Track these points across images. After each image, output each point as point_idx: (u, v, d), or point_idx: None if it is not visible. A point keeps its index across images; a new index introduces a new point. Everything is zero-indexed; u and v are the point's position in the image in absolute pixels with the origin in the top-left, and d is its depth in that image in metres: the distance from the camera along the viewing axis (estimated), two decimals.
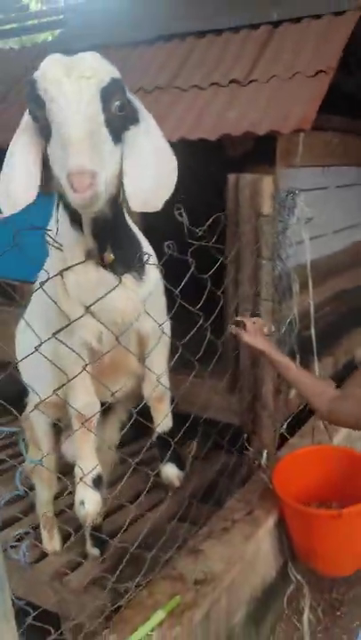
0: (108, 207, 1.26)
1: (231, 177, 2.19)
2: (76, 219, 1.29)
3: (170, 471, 1.60)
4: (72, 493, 1.53)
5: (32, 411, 1.57)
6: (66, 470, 2.30)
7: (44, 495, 1.95)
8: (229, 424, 2.37)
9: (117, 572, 1.72)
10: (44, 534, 2.03)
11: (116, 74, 1.17)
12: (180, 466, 1.63)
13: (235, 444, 2.34)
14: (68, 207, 1.26)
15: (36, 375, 1.53)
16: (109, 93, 1.12)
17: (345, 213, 3.13)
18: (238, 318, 1.88)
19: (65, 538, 2.08)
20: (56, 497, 2.05)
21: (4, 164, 1.24)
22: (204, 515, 2.22)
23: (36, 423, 1.75)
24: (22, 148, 1.23)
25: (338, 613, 2.49)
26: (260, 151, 2.23)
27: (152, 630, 1.65)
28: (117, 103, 1.14)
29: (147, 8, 3.03)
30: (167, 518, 2.20)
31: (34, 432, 1.78)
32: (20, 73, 3.11)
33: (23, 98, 1.26)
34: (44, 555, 2.09)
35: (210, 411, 2.21)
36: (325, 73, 2.07)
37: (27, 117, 1.23)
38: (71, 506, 2.13)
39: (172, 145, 2.15)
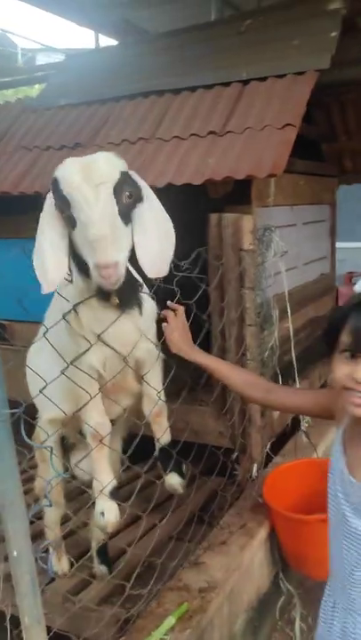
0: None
1: (213, 216, 2.44)
2: (84, 266, 1.46)
3: (174, 480, 1.76)
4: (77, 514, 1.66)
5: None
6: (71, 496, 2.44)
7: (52, 516, 2.06)
8: (217, 447, 2.52)
9: (129, 585, 1.85)
10: (53, 556, 2.13)
11: (124, 167, 1.39)
12: (182, 475, 1.79)
13: (224, 466, 2.51)
14: (78, 261, 1.46)
15: (45, 395, 1.68)
16: (120, 187, 1.35)
17: (312, 247, 3.40)
18: (162, 313, 1.77)
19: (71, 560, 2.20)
20: (62, 522, 2.17)
21: (38, 241, 1.42)
22: (200, 534, 2.37)
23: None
24: (51, 231, 1.41)
25: None
26: (237, 193, 2.48)
27: (166, 634, 1.78)
28: (127, 193, 1.37)
29: (126, 67, 3.31)
30: (167, 538, 2.35)
31: (42, 450, 1.92)
32: (2, 129, 3.31)
33: (49, 189, 1.45)
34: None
35: (200, 435, 2.38)
36: (292, 126, 2.35)
37: (51, 204, 1.41)
38: (79, 527, 2.27)
39: (159, 190, 2.40)
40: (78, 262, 1.44)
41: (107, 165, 1.36)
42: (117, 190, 1.34)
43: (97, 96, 3.16)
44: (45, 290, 1.38)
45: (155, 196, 1.50)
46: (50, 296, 1.76)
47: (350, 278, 6.98)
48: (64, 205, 1.35)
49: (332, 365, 1.21)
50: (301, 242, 3.15)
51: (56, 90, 3.52)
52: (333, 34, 2.51)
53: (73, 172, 1.33)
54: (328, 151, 3.75)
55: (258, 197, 2.52)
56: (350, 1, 2.64)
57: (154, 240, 1.44)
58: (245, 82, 2.70)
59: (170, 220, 1.51)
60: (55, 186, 1.36)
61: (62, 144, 2.94)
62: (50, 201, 1.41)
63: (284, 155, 2.28)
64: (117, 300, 1.52)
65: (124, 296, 1.53)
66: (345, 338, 1.17)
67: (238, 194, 2.48)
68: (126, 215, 1.37)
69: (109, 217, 1.32)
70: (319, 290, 3.53)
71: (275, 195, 2.65)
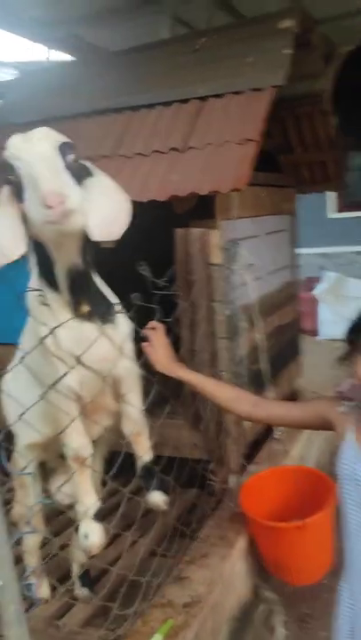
0: (80, 258, 1.49)
1: (179, 231, 2.46)
2: (51, 277, 1.51)
3: (157, 497, 1.76)
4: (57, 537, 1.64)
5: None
6: (49, 517, 2.40)
7: (32, 541, 2.02)
8: (195, 460, 2.54)
9: (115, 606, 1.84)
10: (36, 582, 2.09)
11: (66, 139, 1.42)
12: (166, 491, 1.79)
13: (203, 478, 2.53)
14: (43, 264, 1.49)
15: (23, 420, 1.67)
16: (63, 150, 1.38)
17: (275, 257, 3.47)
18: (143, 332, 1.78)
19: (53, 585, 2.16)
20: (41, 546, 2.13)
21: None
22: (183, 548, 2.37)
23: (22, 466, 1.85)
24: (3, 212, 1.42)
25: (308, 625, 2.68)
26: (200, 207, 2.51)
27: None
28: (72, 156, 1.39)
29: (82, 84, 3.32)
30: (148, 554, 2.34)
31: (21, 479, 1.89)
32: None
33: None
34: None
35: (175, 448, 2.39)
36: (253, 141, 2.40)
37: (4, 191, 1.43)
38: (61, 549, 2.24)
39: None
40: (45, 272, 1.46)
41: (46, 130, 1.41)
42: (61, 151, 1.37)
43: (53, 114, 3.14)
44: (3, 262, 1.39)
45: (105, 174, 1.53)
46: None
47: (309, 284, 7.15)
48: (9, 172, 1.36)
49: (355, 366, 1.31)
50: (264, 252, 3.21)
51: (10, 107, 3.50)
52: (286, 51, 2.58)
53: (14, 140, 1.37)
54: (285, 162, 3.85)
55: (221, 211, 2.57)
56: (302, 19, 2.73)
57: (102, 206, 1.45)
58: (203, 98, 2.75)
59: (122, 191, 1.54)
60: (2, 162, 1.39)
61: None
62: (3, 189, 1.42)
63: (246, 169, 2.33)
64: (88, 308, 1.54)
65: (95, 307, 1.56)
66: None
67: (201, 208, 2.51)
68: (76, 177, 1.39)
69: (52, 162, 1.33)
70: (284, 298, 3.61)
71: (237, 207, 2.70)
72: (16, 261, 1.43)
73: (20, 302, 1.56)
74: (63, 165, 1.36)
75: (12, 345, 1.90)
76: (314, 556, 2.30)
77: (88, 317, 1.55)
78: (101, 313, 1.59)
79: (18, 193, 1.38)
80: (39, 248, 1.47)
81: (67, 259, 1.48)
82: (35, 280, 1.58)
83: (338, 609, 1.55)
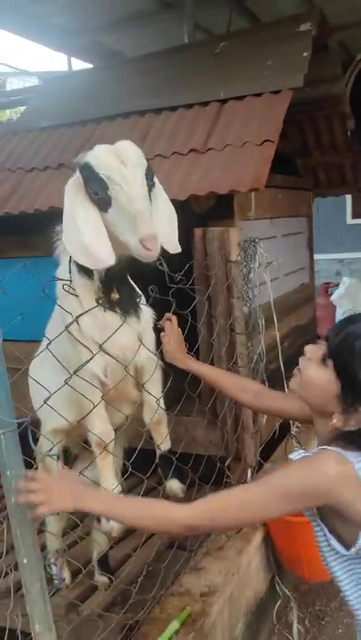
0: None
1: (197, 230, 2.52)
2: (86, 269, 1.56)
3: (174, 485, 1.79)
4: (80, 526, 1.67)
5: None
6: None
7: (54, 528, 2.08)
8: (206, 457, 2.56)
9: (135, 590, 1.88)
10: (60, 564, 2.14)
11: (146, 159, 1.48)
12: (183, 480, 1.83)
13: (220, 474, 2.56)
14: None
15: (49, 406, 1.72)
16: (147, 173, 1.44)
17: (291, 259, 3.51)
18: (160, 323, 1.79)
19: (73, 572, 2.21)
20: (64, 533, 2.18)
21: (66, 227, 1.46)
22: (198, 541, 2.40)
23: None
24: (85, 216, 1.44)
25: (323, 622, 2.69)
26: (219, 208, 2.57)
27: (170, 638, 1.81)
28: (151, 177, 1.46)
29: (105, 89, 3.40)
30: (165, 546, 2.39)
31: (45, 463, 1.95)
32: None
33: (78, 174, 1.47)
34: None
35: (192, 446, 2.42)
36: (271, 142, 2.45)
37: (78, 189, 1.46)
38: (80, 539, 2.29)
39: None
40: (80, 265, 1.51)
41: (137, 151, 1.45)
42: (146, 175, 1.43)
43: (77, 118, 3.24)
44: (98, 266, 1.44)
45: (159, 184, 1.58)
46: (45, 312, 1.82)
47: (326, 289, 7.16)
48: (99, 187, 1.40)
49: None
50: (282, 253, 3.25)
51: (36, 112, 3.59)
52: (305, 54, 2.64)
53: (110, 156, 1.41)
54: (303, 166, 3.90)
55: (240, 211, 2.62)
56: (320, 22, 2.78)
57: (166, 219, 1.54)
58: (223, 101, 2.82)
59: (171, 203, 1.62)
60: (88, 170, 1.42)
61: (46, 165, 3.00)
62: (76, 186, 1.46)
63: (264, 169, 2.38)
64: (117, 295, 1.60)
65: (123, 298, 1.61)
66: None
67: (220, 209, 2.57)
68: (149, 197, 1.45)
69: (145, 195, 1.40)
70: (300, 300, 3.64)
71: (255, 208, 2.75)
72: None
73: (45, 294, 1.61)
74: (147, 191, 1.42)
75: (32, 342, 1.97)
76: None
77: (114, 306, 1.61)
78: (127, 302, 1.65)
79: (101, 204, 1.42)
80: None
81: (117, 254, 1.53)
82: (64, 269, 1.63)
83: None
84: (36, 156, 3.09)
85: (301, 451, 1.29)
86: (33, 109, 3.65)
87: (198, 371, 1.81)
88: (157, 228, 1.42)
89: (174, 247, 1.54)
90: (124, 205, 1.37)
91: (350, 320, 1.26)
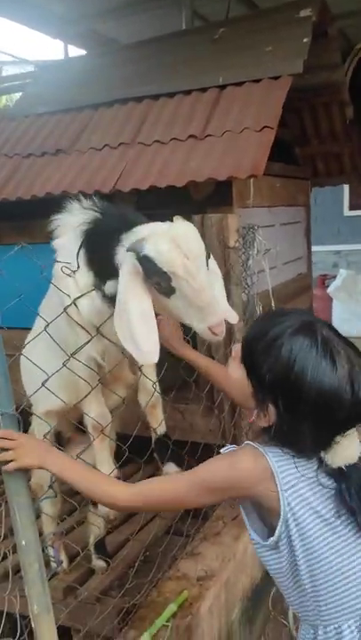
0: None
1: (196, 217, 2.50)
2: (95, 268, 1.59)
3: (171, 469, 1.80)
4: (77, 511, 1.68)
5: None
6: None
7: (50, 512, 2.08)
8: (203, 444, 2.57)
9: (132, 574, 1.89)
10: (58, 547, 2.15)
11: (204, 244, 1.48)
12: (180, 464, 1.84)
13: None
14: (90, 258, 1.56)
15: (42, 389, 1.71)
16: (207, 257, 1.47)
17: (290, 248, 3.51)
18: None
19: (71, 557, 2.22)
20: (62, 519, 2.19)
21: (118, 311, 1.44)
22: (195, 528, 2.41)
23: (40, 434, 1.90)
24: (138, 306, 1.42)
25: None
26: (217, 195, 2.56)
27: (168, 621, 1.82)
28: (208, 258, 1.48)
29: (102, 75, 3.38)
30: (162, 533, 2.39)
31: None
32: None
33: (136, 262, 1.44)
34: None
35: (189, 434, 2.42)
36: (270, 128, 2.44)
37: (135, 276, 1.43)
38: (77, 524, 2.28)
39: (143, 193, 2.45)
40: (90, 259, 1.52)
41: (198, 240, 1.45)
42: (206, 258, 1.46)
43: (74, 104, 3.21)
44: (141, 359, 1.45)
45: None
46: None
47: (323, 281, 7.17)
48: (162, 279, 1.39)
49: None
50: (280, 242, 3.24)
51: (32, 98, 3.56)
52: (305, 40, 2.62)
53: (173, 252, 1.38)
54: (301, 154, 3.88)
55: (238, 198, 2.60)
56: (320, 8, 2.76)
57: (220, 290, 1.61)
58: (222, 87, 2.80)
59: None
60: (148, 263, 1.39)
61: (43, 150, 2.98)
62: (133, 273, 1.43)
63: (263, 156, 2.37)
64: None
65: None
66: None
67: (218, 196, 2.56)
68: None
69: (211, 285, 1.44)
70: (298, 289, 3.64)
71: (253, 196, 2.73)
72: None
73: (41, 278, 1.59)
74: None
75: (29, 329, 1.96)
76: None
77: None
78: None
79: (163, 291, 1.42)
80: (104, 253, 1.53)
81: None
82: (66, 253, 1.62)
83: None
84: (33, 141, 3.07)
85: (232, 446, 1.32)
86: (29, 95, 3.62)
87: (194, 360, 1.79)
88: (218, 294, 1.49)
89: (233, 317, 1.60)
90: (189, 297, 1.39)
91: (262, 317, 1.31)
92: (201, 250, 1.42)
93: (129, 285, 1.42)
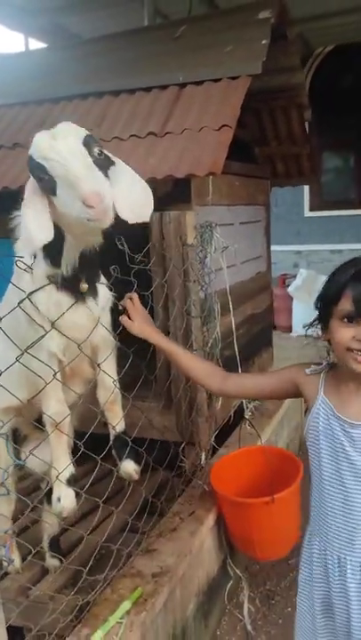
0: (98, 243, 1.54)
1: (155, 214, 2.50)
2: (56, 256, 1.55)
3: (129, 466, 1.80)
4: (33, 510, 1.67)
5: None
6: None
7: (5, 507, 2.04)
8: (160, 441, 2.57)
9: (85, 571, 1.87)
10: (10, 546, 2.11)
11: (87, 132, 1.45)
12: (138, 461, 1.83)
13: (173, 458, 2.57)
14: (53, 246, 1.50)
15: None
16: (88, 143, 1.41)
17: (249, 247, 3.54)
18: (121, 303, 1.80)
19: (24, 557, 2.19)
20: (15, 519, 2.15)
21: (22, 219, 1.45)
22: (150, 524, 2.41)
23: None
24: (32, 205, 1.43)
25: (273, 602, 2.75)
26: (176, 193, 2.56)
27: (121, 618, 1.81)
28: (96, 149, 1.42)
29: (62, 69, 3.34)
30: (118, 530, 2.38)
31: None
32: None
33: (32, 176, 1.45)
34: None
35: (146, 431, 2.42)
36: (229, 127, 2.46)
37: (30, 185, 1.44)
38: (32, 523, 2.25)
39: None
40: (51, 251, 1.49)
41: (70, 126, 1.43)
42: (86, 145, 1.40)
43: (33, 97, 3.16)
44: (31, 251, 1.44)
45: (122, 162, 1.56)
46: None
47: (284, 280, 7.27)
48: (40, 171, 1.38)
49: (332, 331, 1.39)
50: (239, 240, 3.27)
51: None
52: (264, 42, 2.64)
53: (42, 138, 1.39)
54: (260, 155, 3.93)
55: (197, 196, 2.62)
56: (279, 11, 2.80)
57: (129, 191, 1.50)
58: (182, 85, 2.80)
59: (142, 180, 1.59)
60: (30, 162, 1.40)
61: (0, 144, 2.92)
62: (29, 188, 1.44)
63: (221, 154, 2.38)
64: (87, 285, 1.59)
65: (90, 284, 1.61)
66: (345, 306, 1.33)
67: (177, 193, 2.56)
68: (103, 170, 1.42)
69: (83, 160, 1.37)
70: (256, 288, 3.68)
71: (212, 194, 2.75)
72: None
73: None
74: (92, 161, 1.39)
75: None
76: (281, 531, 2.37)
77: (82, 297, 1.60)
78: (91, 287, 1.63)
79: (47, 188, 1.40)
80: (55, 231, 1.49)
81: (85, 244, 1.53)
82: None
83: (304, 569, 1.61)
84: None
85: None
86: None
87: (167, 348, 1.80)
88: (116, 197, 1.40)
89: (138, 217, 1.49)
90: (63, 176, 1.35)
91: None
92: (70, 132, 1.41)
93: (26, 198, 1.43)
